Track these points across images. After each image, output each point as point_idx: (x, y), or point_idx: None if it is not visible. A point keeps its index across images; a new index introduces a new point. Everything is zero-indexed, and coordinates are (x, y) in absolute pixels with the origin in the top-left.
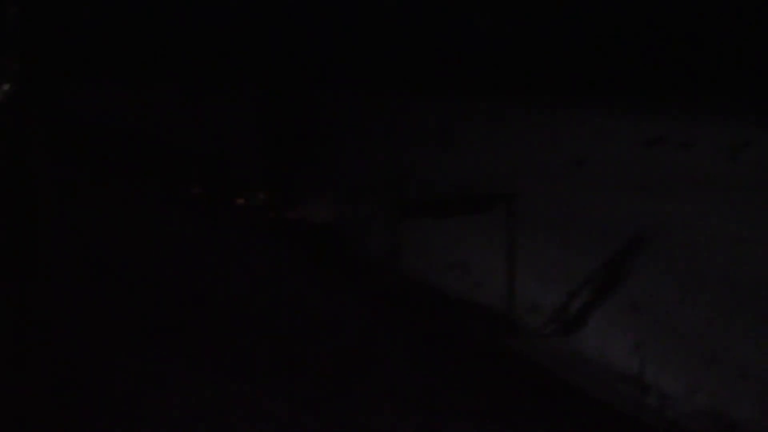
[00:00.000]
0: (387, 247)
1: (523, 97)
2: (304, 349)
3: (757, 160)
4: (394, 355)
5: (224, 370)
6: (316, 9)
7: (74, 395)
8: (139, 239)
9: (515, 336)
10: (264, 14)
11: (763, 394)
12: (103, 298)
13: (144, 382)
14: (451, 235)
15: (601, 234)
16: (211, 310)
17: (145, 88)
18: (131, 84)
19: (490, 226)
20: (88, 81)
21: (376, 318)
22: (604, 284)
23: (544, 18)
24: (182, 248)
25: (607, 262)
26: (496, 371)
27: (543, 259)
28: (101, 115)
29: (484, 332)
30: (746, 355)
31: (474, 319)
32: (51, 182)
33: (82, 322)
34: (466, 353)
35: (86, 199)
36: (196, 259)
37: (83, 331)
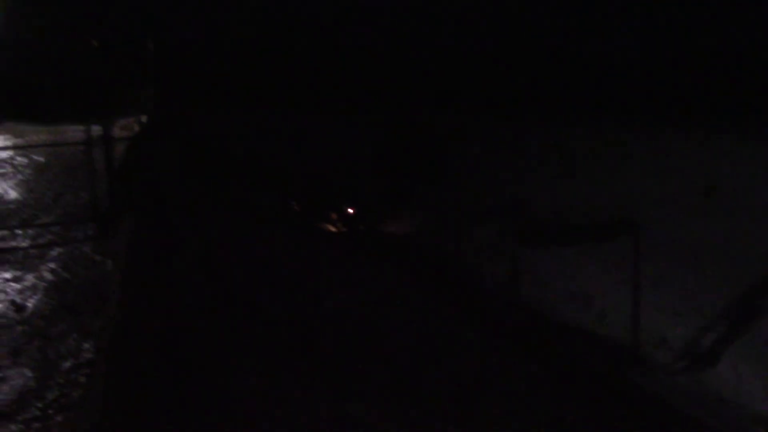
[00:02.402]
0: (505, 274)
1: (650, 121)
2: (420, 375)
3: None
4: (512, 387)
5: (341, 391)
6: (438, 37)
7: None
8: (257, 259)
9: (641, 371)
10: (387, 42)
11: None
12: (220, 314)
13: (265, 401)
14: (573, 264)
15: (734, 264)
16: (327, 332)
17: (263, 113)
18: (253, 111)
19: (614, 255)
20: (216, 110)
21: (493, 347)
22: (738, 318)
23: (670, 42)
24: (296, 267)
25: (741, 295)
26: (620, 408)
27: (671, 290)
28: (226, 140)
29: (608, 367)
30: None
31: (597, 352)
32: (180, 202)
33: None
34: (589, 388)
35: (209, 218)
36: (309, 278)
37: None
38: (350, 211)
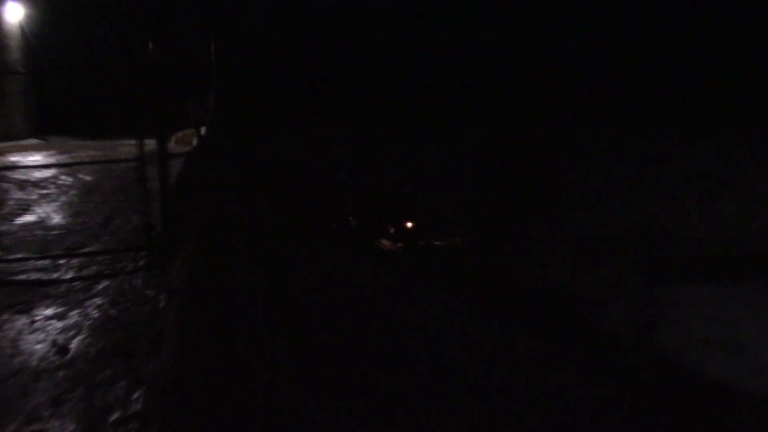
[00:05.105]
0: (635, 316)
1: None
2: None
3: None
4: None
5: None
6: (550, 52)
7: None
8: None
9: None
10: (495, 57)
11: None
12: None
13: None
14: (719, 305)
15: None
16: (424, 376)
17: (336, 123)
18: (325, 120)
19: None
20: (284, 119)
21: (620, 404)
22: None
23: None
24: (380, 306)
25: None
26: None
27: None
28: (291, 152)
29: None
30: None
31: (751, 416)
32: (243, 225)
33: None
34: None
35: (275, 243)
36: (396, 319)
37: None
38: (409, 225)
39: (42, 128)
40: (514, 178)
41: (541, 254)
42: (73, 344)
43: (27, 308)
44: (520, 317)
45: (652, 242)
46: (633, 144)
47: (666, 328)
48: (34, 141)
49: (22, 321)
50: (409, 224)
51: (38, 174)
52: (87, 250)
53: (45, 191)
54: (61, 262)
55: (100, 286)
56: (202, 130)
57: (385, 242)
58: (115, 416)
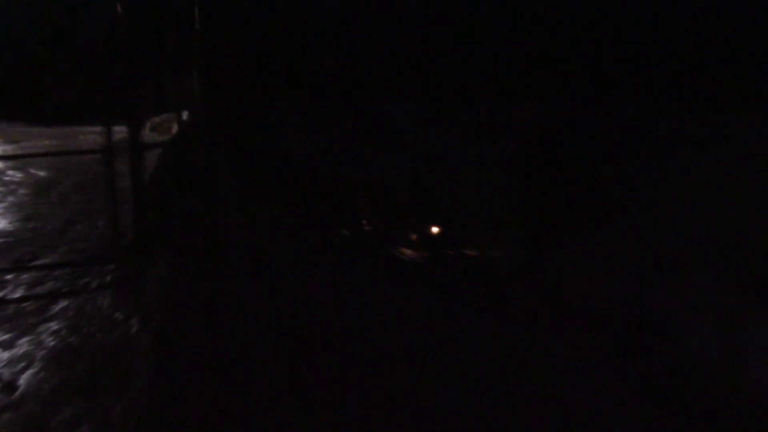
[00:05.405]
0: (723, 347)
1: None
2: None
3: None
4: None
5: None
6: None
7: None
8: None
9: None
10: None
11: None
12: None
13: None
14: None
15: None
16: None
17: (341, 105)
18: (328, 102)
19: None
20: (284, 101)
21: None
22: None
23: None
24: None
25: None
26: None
27: None
28: (287, 145)
29: None
30: None
31: None
32: (234, 231)
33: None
34: None
35: (271, 251)
36: (434, 350)
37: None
38: (434, 230)
39: None
40: (568, 172)
41: (607, 269)
42: (23, 380)
43: None
44: (578, 340)
45: (747, 257)
46: (734, 135)
47: (763, 362)
48: None
49: None
50: (435, 229)
51: None
52: (41, 262)
53: None
54: (8, 277)
55: (57, 308)
56: (185, 115)
57: (407, 251)
58: None
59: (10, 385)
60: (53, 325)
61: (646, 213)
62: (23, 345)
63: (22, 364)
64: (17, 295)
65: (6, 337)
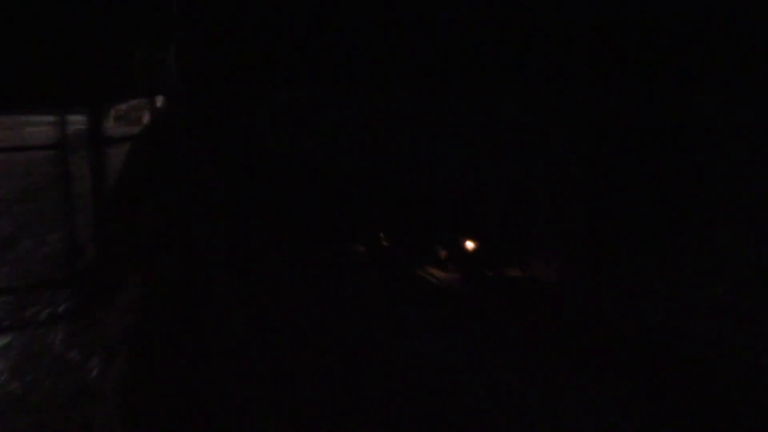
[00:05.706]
0: None
1: None
2: None
3: None
4: None
5: None
6: None
7: None
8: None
9: None
10: None
11: None
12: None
13: None
14: None
15: None
16: None
17: (345, 88)
18: (331, 97)
19: None
20: (275, 95)
21: None
22: None
23: None
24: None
25: None
26: None
27: None
28: (287, 140)
29: None
30: None
31: None
32: (217, 246)
33: None
34: None
35: (262, 270)
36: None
37: None
38: (468, 245)
39: None
40: (657, 176)
41: (701, 298)
42: None
43: None
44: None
45: None
46: None
47: None
48: None
49: None
50: (470, 244)
51: None
52: None
53: None
54: None
55: None
56: (159, 102)
57: (435, 271)
58: None
59: None
60: None
61: (720, 221)
62: None
63: None
64: None
65: None
